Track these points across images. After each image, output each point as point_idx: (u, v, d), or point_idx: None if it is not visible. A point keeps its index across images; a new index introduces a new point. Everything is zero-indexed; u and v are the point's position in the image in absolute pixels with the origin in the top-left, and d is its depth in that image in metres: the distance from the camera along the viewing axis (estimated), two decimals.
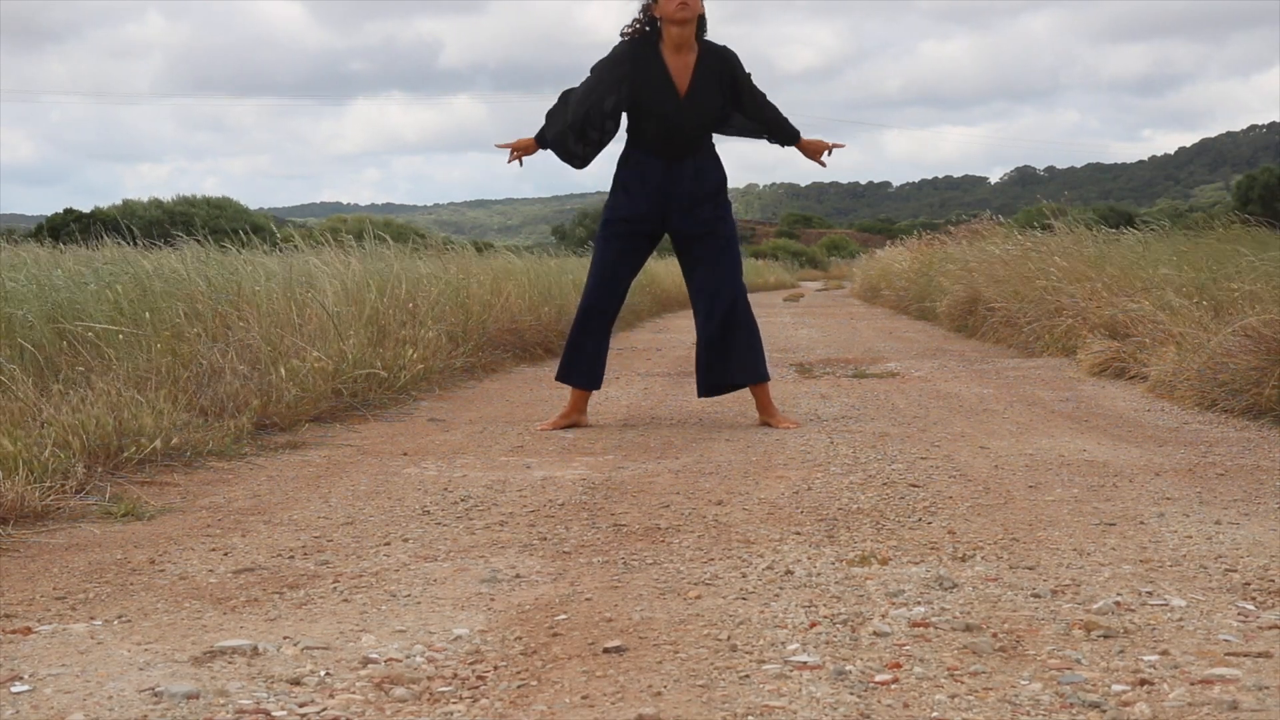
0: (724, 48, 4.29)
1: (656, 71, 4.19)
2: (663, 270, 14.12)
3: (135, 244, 6.38)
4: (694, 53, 4.22)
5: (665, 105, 4.19)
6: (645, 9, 4.22)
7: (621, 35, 4.27)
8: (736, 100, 4.31)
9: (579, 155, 4.31)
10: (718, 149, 4.38)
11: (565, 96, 4.29)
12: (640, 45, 4.21)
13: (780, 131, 4.43)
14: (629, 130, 4.32)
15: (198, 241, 6.24)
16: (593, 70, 4.26)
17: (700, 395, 4.46)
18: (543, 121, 4.33)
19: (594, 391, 4.45)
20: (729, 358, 4.31)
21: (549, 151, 4.36)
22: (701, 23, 4.22)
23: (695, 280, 4.35)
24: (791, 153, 4.55)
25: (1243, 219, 7.81)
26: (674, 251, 4.46)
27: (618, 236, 4.32)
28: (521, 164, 4.37)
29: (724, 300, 4.28)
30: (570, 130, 4.25)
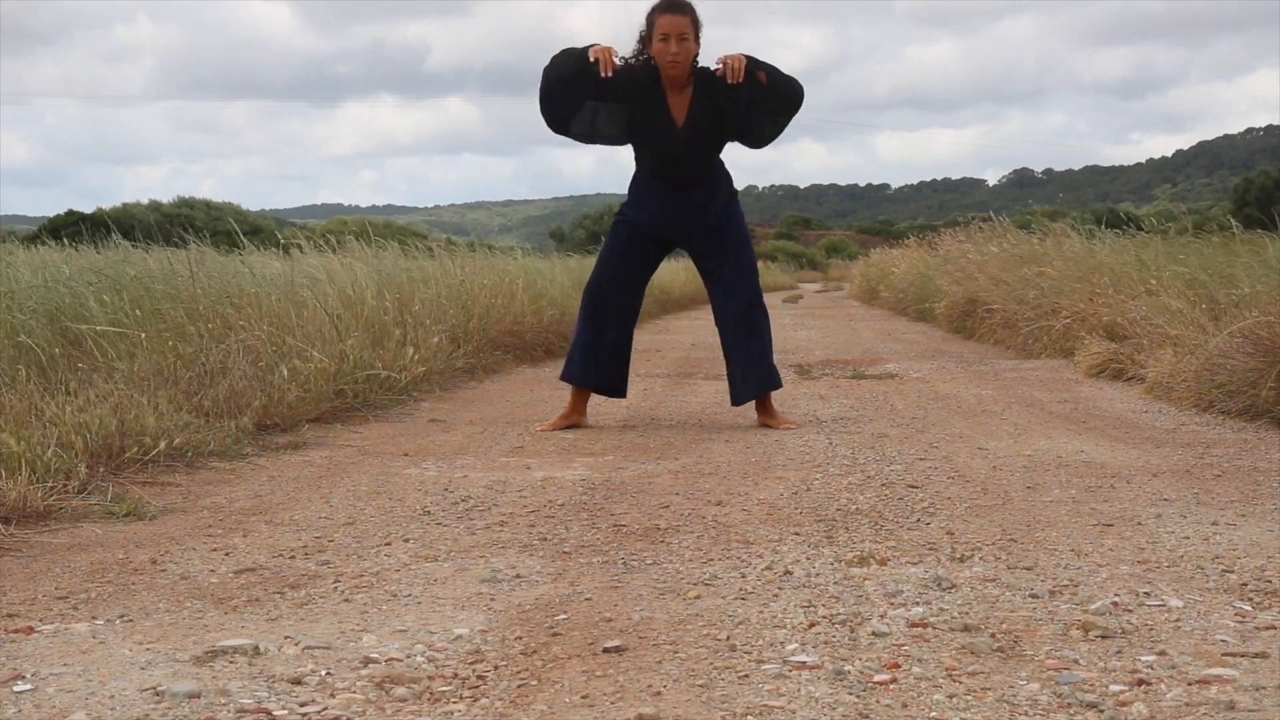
0: (717, 73, 4.17)
1: (656, 103, 4.16)
2: (665, 272, 14.13)
3: (150, 244, 6.36)
4: (691, 86, 4.18)
5: (663, 138, 4.19)
6: (642, 43, 4.15)
7: (623, 59, 4.21)
8: (731, 128, 4.22)
9: (560, 110, 4.13)
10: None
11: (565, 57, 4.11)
12: (643, 74, 4.15)
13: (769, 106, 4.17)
14: (634, 153, 4.34)
15: (198, 243, 6.24)
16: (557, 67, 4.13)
17: (733, 404, 4.43)
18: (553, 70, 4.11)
19: (593, 393, 4.46)
20: (748, 366, 4.31)
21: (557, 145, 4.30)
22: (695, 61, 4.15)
23: (711, 291, 4.40)
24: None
25: (1243, 223, 7.80)
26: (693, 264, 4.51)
27: (624, 235, 4.36)
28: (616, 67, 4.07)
29: (736, 304, 4.32)
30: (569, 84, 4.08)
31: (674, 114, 4.18)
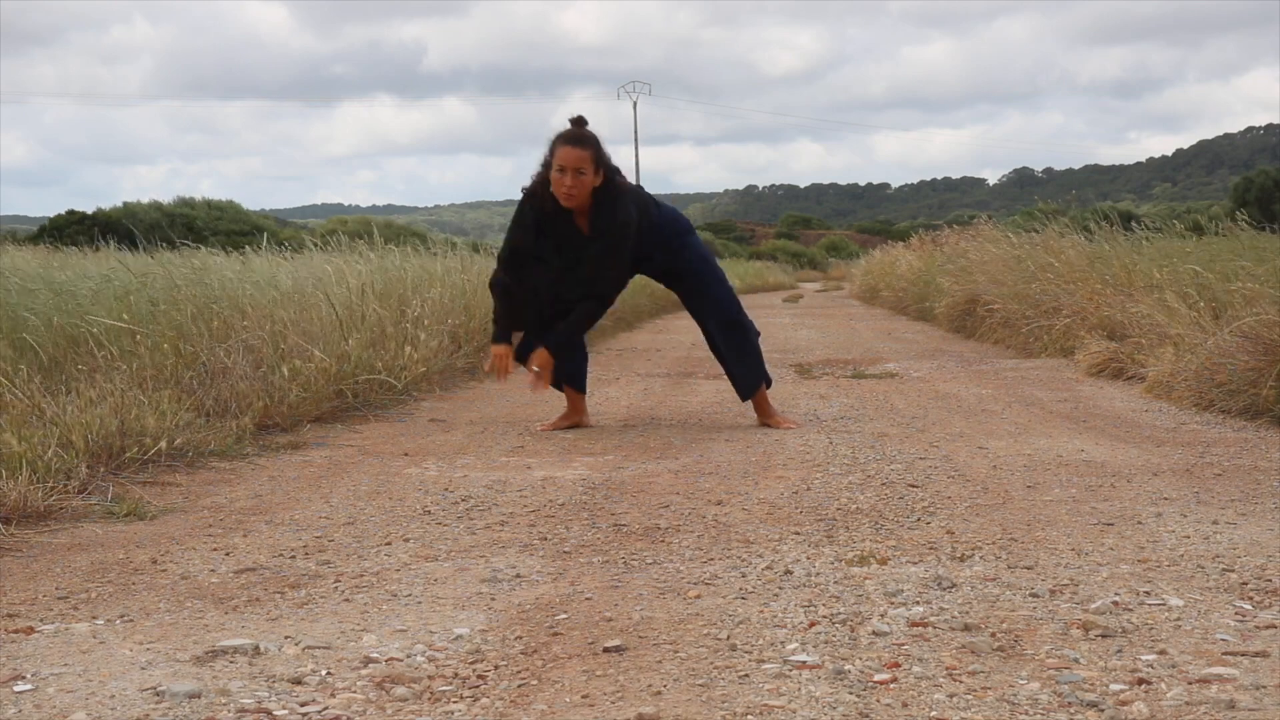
0: (616, 206, 4.07)
1: (562, 219, 4.09)
2: None
3: (139, 249, 6.37)
4: (595, 205, 4.11)
5: (570, 246, 4.11)
6: (545, 167, 4.06)
7: (524, 190, 4.14)
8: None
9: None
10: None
11: (499, 285, 4.19)
12: (545, 200, 4.07)
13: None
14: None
15: (201, 246, 6.26)
16: (508, 239, 4.19)
17: (742, 400, 4.44)
18: (497, 318, 4.21)
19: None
20: (742, 365, 4.35)
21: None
22: (607, 187, 4.06)
23: (688, 308, 4.44)
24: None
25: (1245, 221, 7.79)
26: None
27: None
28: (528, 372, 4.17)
29: (713, 320, 4.35)
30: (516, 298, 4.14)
31: (579, 224, 4.11)
